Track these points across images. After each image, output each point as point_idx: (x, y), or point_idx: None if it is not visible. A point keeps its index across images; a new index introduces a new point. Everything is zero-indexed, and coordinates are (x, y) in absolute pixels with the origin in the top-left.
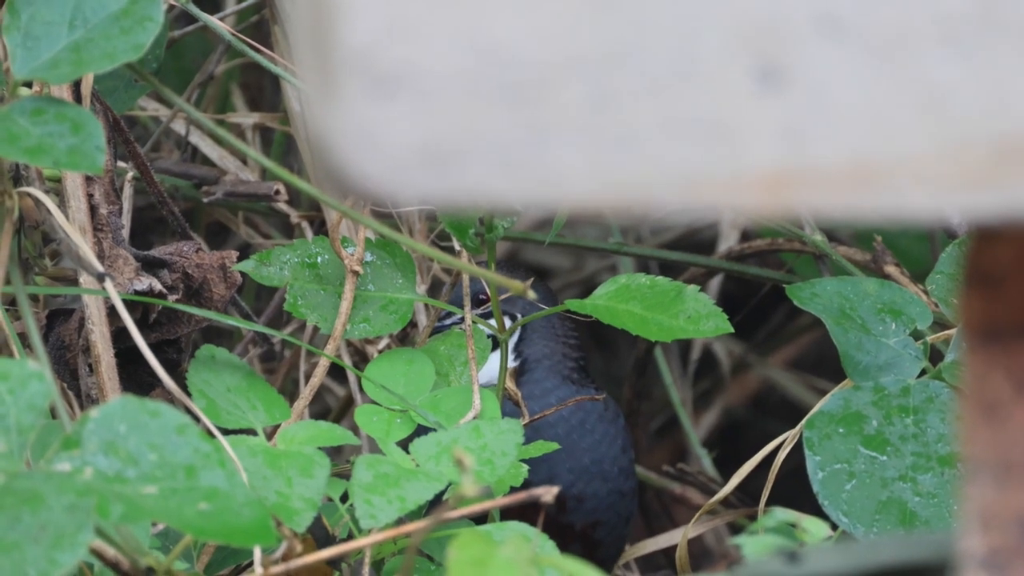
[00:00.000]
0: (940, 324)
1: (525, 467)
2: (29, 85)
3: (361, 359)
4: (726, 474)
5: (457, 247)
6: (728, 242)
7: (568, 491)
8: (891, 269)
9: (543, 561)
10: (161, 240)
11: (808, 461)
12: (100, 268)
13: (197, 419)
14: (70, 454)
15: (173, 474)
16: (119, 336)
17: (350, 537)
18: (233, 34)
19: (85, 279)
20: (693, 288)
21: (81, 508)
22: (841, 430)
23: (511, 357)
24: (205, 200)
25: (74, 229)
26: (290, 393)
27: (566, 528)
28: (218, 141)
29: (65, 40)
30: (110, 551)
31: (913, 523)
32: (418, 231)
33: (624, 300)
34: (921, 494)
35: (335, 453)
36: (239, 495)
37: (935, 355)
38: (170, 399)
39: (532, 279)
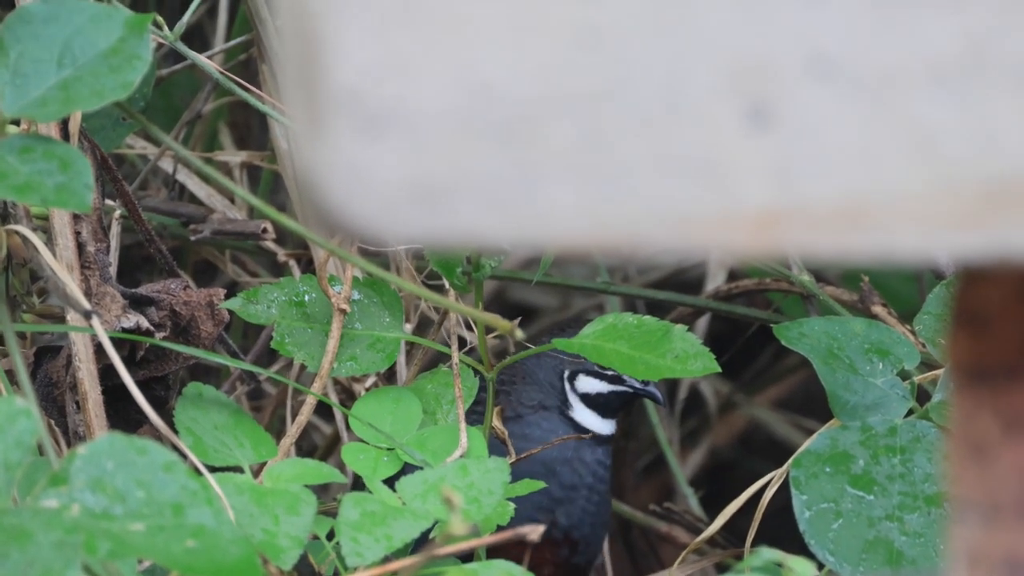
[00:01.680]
0: (927, 364)
1: (512, 505)
2: (17, 123)
3: (348, 397)
4: (712, 513)
5: (445, 286)
6: (715, 282)
7: (583, 535)
8: (878, 309)
9: None
10: (148, 278)
11: (795, 500)
12: (87, 306)
13: (184, 456)
14: (58, 491)
15: (160, 511)
16: (107, 373)
17: (336, 575)
18: (221, 72)
19: (72, 316)
20: (681, 328)
21: (69, 545)
22: (828, 469)
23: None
24: (192, 238)
25: (61, 267)
26: (277, 431)
27: (575, 568)
28: (205, 179)
29: (54, 78)
30: None
31: (900, 562)
32: (405, 269)
33: (612, 339)
34: (908, 533)
35: (322, 491)
36: (226, 532)
37: (922, 395)
38: (158, 436)
39: (519, 319)
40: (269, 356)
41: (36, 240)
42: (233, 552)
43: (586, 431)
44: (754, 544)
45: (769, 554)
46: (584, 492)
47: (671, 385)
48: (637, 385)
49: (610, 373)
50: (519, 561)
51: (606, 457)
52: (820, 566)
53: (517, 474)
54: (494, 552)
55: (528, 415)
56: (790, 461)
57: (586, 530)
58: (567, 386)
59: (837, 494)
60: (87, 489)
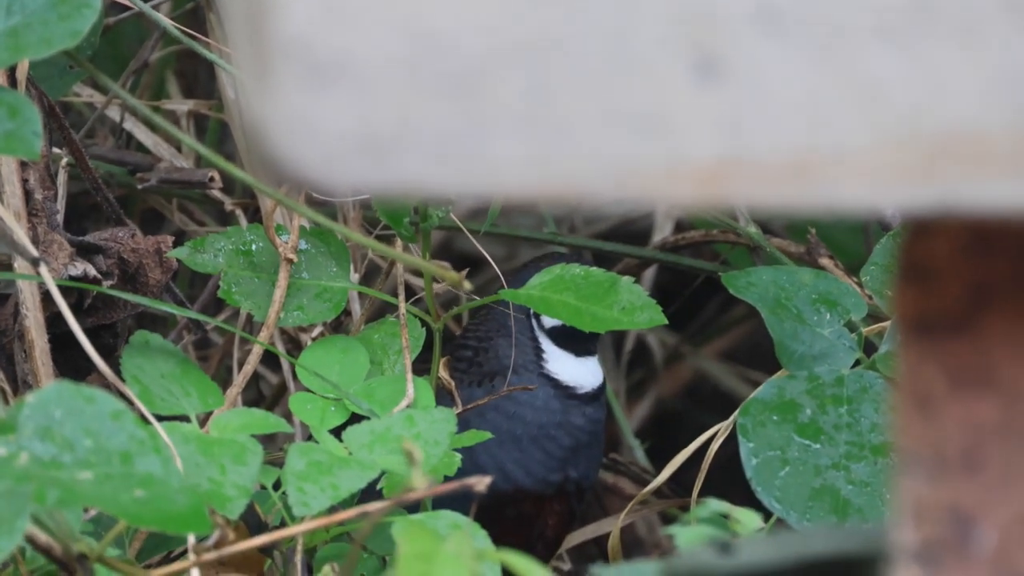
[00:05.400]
0: (874, 316)
1: (458, 456)
2: None
3: (295, 347)
4: (659, 465)
5: (393, 235)
6: (662, 233)
7: (590, 483)
8: (825, 261)
9: (486, 555)
10: (95, 227)
11: (742, 447)
12: (35, 253)
13: (132, 404)
14: (5, 439)
15: (109, 460)
16: (56, 320)
17: (283, 525)
18: (168, 21)
19: (19, 264)
20: (628, 279)
21: (19, 494)
22: (775, 418)
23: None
24: (139, 187)
25: (8, 214)
26: (223, 380)
27: (574, 515)
28: (153, 128)
29: (2, 26)
30: (42, 537)
31: (846, 511)
32: (352, 219)
33: (558, 290)
34: (854, 482)
35: (268, 441)
36: (174, 482)
37: (869, 347)
38: (106, 385)
39: (467, 269)
40: (216, 305)
41: None
42: (181, 502)
43: (567, 387)
44: (700, 495)
45: (716, 505)
46: (584, 449)
47: (617, 336)
48: None
49: None
50: (538, 514)
51: (597, 411)
52: (766, 517)
53: (511, 439)
54: (514, 506)
55: (504, 383)
56: (737, 412)
57: (592, 478)
58: (535, 324)
59: (784, 442)
60: (35, 437)
